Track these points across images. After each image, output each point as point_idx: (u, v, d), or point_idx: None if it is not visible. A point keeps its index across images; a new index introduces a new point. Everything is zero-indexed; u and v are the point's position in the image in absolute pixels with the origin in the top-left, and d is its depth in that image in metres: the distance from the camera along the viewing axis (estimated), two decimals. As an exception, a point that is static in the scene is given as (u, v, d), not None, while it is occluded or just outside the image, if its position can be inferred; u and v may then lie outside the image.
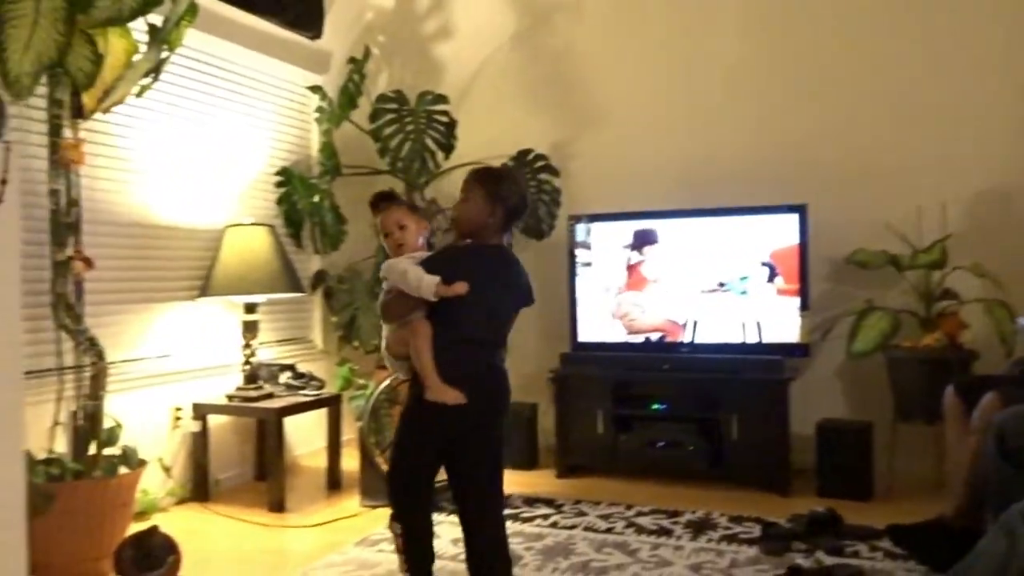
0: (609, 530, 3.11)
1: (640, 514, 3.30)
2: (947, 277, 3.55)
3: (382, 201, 2.43)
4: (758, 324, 3.75)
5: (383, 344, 2.33)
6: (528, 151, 4.29)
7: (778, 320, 3.72)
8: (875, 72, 3.89)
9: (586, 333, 4.06)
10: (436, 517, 3.27)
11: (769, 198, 3.86)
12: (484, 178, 2.30)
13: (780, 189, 3.90)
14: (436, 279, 2.14)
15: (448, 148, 4.24)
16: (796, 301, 3.69)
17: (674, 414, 3.76)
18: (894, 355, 3.53)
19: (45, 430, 2.81)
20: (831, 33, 3.96)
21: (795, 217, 3.70)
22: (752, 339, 3.76)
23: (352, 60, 4.36)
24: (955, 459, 2.79)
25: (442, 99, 4.26)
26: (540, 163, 4.29)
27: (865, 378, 3.79)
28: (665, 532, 3.08)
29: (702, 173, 4.16)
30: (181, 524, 3.18)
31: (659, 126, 4.29)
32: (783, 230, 3.72)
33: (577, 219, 4.11)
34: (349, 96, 4.25)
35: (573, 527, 3.15)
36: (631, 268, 3.98)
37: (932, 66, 3.79)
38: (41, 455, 2.75)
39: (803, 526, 2.97)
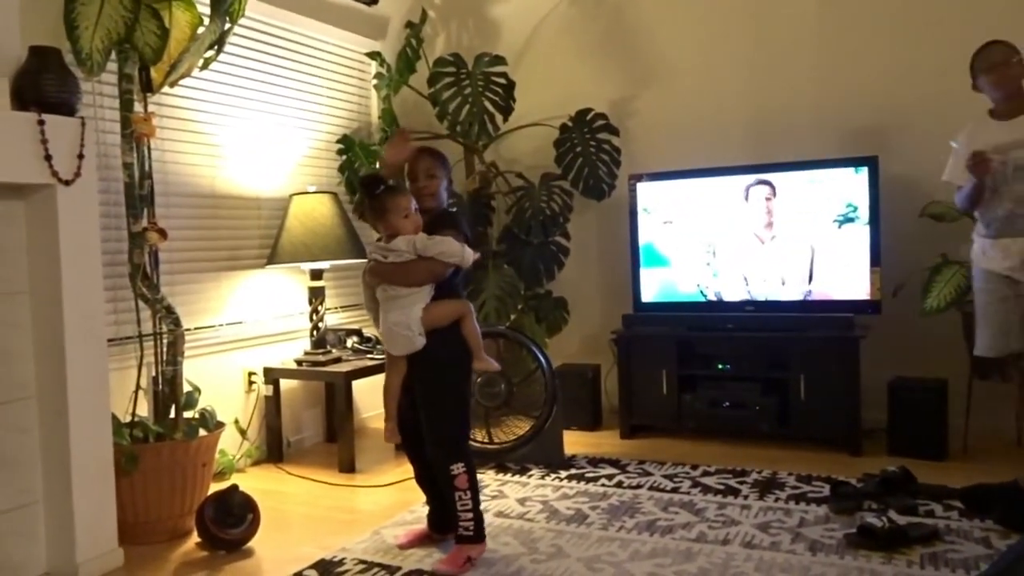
0: (675, 490, 3.11)
1: (706, 474, 3.29)
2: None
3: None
4: (827, 281, 3.66)
5: (386, 317, 2.45)
6: (587, 110, 4.23)
7: (849, 276, 3.62)
8: (949, 13, 3.70)
9: (649, 293, 4.02)
10: (500, 476, 3.34)
11: (838, 151, 3.74)
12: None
13: (850, 141, 3.77)
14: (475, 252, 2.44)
15: (507, 110, 4.22)
16: (867, 256, 3.58)
17: (739, 374, 3.72)
18: (970, 311, 3.40)
19: (128, 395, 2.93)
20: (904, -24, 3.78)
21: (865, 170, 3.58)
22: (821, 296, 3.68)
23: (409, 24, 4.35)
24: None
25: (500, 60, 4.23)
26: (599, 122, 4.24)
27: (939, 335, 3.67)
28: (732, 491, 3.07)
29: (768, 127, 4.06)
30: (257, 484, 3.31)
31: (722, 80, 4.18)
32: (854, 184, 3.61)
33: (638, 178, 4.05)
34: (407, 61, 4.26)
35: (638, 487, 3.17)
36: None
37: (1005, 9, 3.59)
38: (125, 419, 2.87)
39: (874, 485, 2.92)
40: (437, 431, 2.46)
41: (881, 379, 3.55)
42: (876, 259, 3.58)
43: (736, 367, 3.74)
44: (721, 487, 3.12)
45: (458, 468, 2.42)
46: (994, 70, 2.85)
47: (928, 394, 3.41)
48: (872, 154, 3.60)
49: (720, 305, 3.87)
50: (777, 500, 2.95)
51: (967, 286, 3.33)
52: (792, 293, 3.73)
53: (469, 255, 2.42)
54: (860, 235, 3.59)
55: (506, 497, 3.11)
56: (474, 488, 2.45)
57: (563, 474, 3.37)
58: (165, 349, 2.96)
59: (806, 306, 3.70)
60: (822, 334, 3.57)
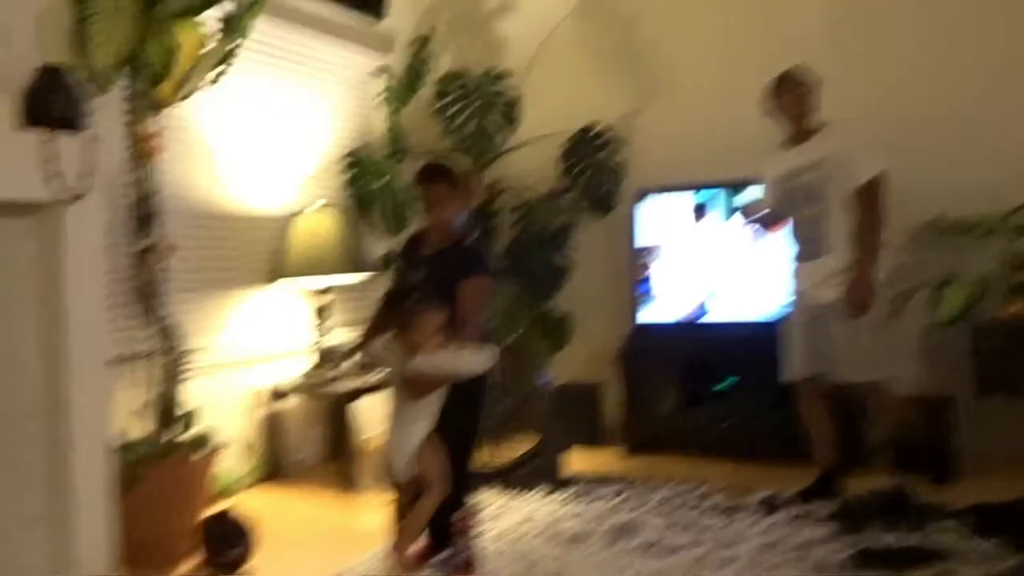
0: (679, 508, 3.08)
1: (711, 492, 3.26)
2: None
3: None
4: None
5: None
6: (594, 124, 4.23)
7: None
8: (953, 27, 3.70)
9: (655, 309, 4.01)
10: (502, 496, 3.32)
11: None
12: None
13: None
14: (486, 353, 2.34)
15: (514, 124, 4.22)
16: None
17: (745, 391, 3.70)
18: (978, 325, 3.39)
19: (130, 413, 2.92)
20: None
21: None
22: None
23: (416, 40, 4.37)
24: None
25: (506, 75, 4.24)
26: (606, 136, 4.24)
27: (946, 350, 3.64)
28: (737, 510, 3.04)
29: (774, 140, 4.04)
30: (258, 503, 3.29)
31: (730, 92, 4.14)
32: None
33: (644, 192, 4.04)
34: (414, 76, 4.26)
35: (642, 505, 3.14)
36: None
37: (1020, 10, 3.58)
38: (127, 437, 2.86)
39: (880, 503, 2.90)
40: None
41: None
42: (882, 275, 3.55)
43: (743, 384, 3.72)
44: (728, 506, 3.09)
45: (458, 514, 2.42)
46: (790, 91, 3.02)
47: (933, 410, 3.38)
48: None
49: (726, 321, 3.85)
50: (783, 519, 2.92)
51: (976, 300, 3.32)
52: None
53: (488, 359, 2.35)
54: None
55: (507, 518, 3.08)
56: (472, 527, 2.44)
57: (565, 493, 3.34)
58: (168, 367, 2.96)
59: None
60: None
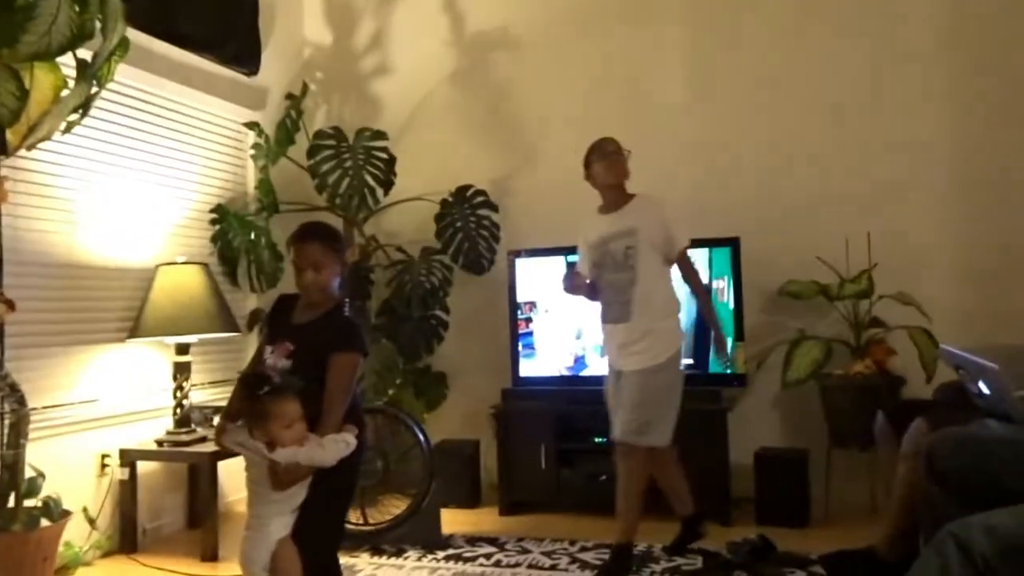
0: (553, 567, 3.09)
1: (584, 549, 3.29)
2: (874, 305, 3.67)
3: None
4: (695, 356, 3.80)
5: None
6: (467, 187, 4.31)
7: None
8: (802, 107, 4.03)
9: (528, 368, 4.06)
10: (375, 559, 3.21)
11: (703, 232, 3.94)
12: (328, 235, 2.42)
13: (714, 223, 3.99)
14: (352, 435, 2.20)
15: (387, 184, 4.24)
16: (731, 331, 3.75)
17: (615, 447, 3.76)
18: (827, 383, 3.62)
19: (-38, 481, 2.66)
20: (763, 73, 4.10)
21: (728, 250, 3.78)
22: (690, 370, 3.80)
23: (289, 96, 4.34)
24: (888, 485, 2.85)
25: (381, 135, 4.26)
26: (479, 199, 4.31)
27: (801, 406, 3.87)
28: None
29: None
30: (108, 576, 3.05)
31: (596, 162, 4.35)
32: (718, 262, 3.80)
33: (516, 254, 4.13)
34: (286, 132, 4.23)
35: (516, 565, 3.12)
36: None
37: (858, 101, 3.95)
38: (-44, 508, 2.60)
39: (743, 555, 3.00)
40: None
41: (748, 450, 3.69)
42: (740, 334, 3.76)
43: (612, 441, 3.78)
44: (599, 562, 3.12)
45: None
46: (607, 157, 3.09)
47: (791, 464, 3.57)
48: (734, 235, 3.81)
49: (596, 379, 3.93)
50: (653, 574, 2.97)
51: (824, 359, 3.55)
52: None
53: (348, 446, 2.19)
54: (724, 311, 3.77)
55: (380, 581, 2.99)
56: None
57: (440, 554, 3.28)
58: (7, 430, 2.72)
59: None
60: (692, 407, 3.67)
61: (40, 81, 2.82)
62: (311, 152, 4.14)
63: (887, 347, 3.62)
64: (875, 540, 2.72)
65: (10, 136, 2.80)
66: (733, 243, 3.79)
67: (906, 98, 3.88)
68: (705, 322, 3.29)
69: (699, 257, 3.81)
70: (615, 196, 3.13)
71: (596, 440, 3.79)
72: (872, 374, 3.52)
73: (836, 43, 3.99)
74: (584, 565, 3.09)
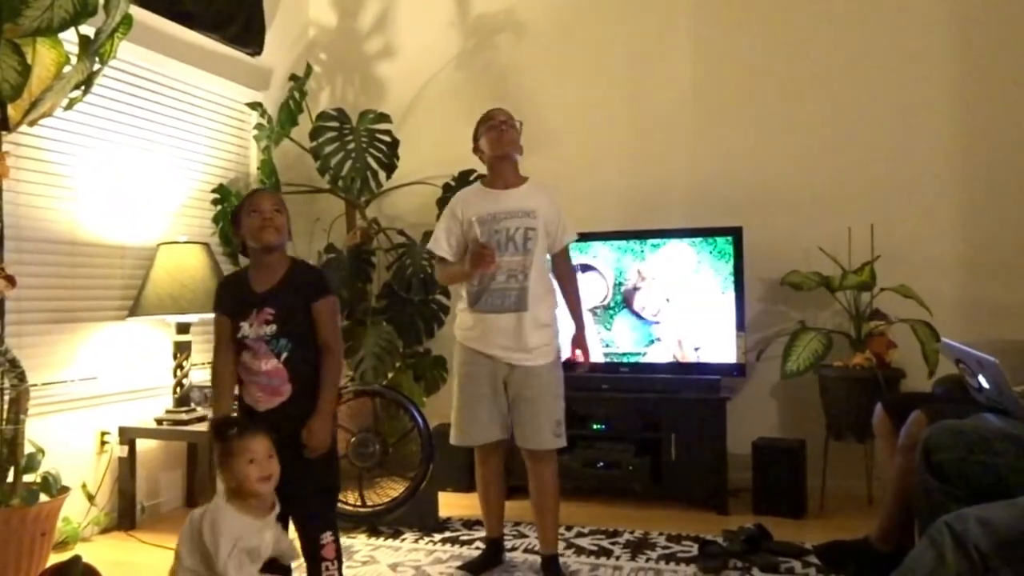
0: (549, 551, 3.09)
1: (580, 535, 3.30)
2: (876, 298, 3.66)
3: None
4: (695, 345, 3.81)
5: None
6: (470, 171, 4.29)
7: (715, 340, 3.78)
8: (808, 101, 4.01)
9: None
10: (372, 541, 3.23)
11: (707, 221, 3.94)
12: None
13: (717, 213, 3.98)
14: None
15: (390, 167, 4.22)
16: (732, 321, 3.75)
17: (614, 434, 3.78)
18: (825, 374, 3.62)
19: (-39, 455, 2.67)
20: (767, 64, 4.08)
21: (730, 239, 3.78)
22: (690, 359, 3.81)
23: (293, 77, 4.32)
24: (885, 476, 2.86)
25: (384, 118, 4.25)
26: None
27: (799, 397, 3.87)
28: (604, 552, 3.08)
29: (642, 197, 4.22)
30: (105, 554, 3.06)
31: (599, 150, 4.34)
32: (720, 252, 3.79)
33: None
34: (289, 113, 4.21)
35: (512, 549, 3.13)
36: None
37: (861, 94, 3.93)
38: (-45, 482, 2.61)
39: (739, 544, 3.01)
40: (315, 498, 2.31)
41: (747, 440, 3.70)
42: (741, 324, 3.76)
43: (610, 427, 3.80)
44: (594, 548, 3.13)
45: (327, 537, 2.30)
46: (498, 127, 2.84)
47: (788, 455, 3.57)
48: (737, 224, 3.81)
49: (595, 366, 3.94)
50: (648, 560, 2.98)
51: (824, 351, 3.54)
52: (663, 355, 3.85)
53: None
54: (726, 301, 3.77)
55: (377, 563, 3.00)
56: (340, 559, 2.35)
57: (437, 537, 3.30)
58: (7, 406, 2.72)
59: (677, 368, 3.83)
60: (691, 396, 3.70)
61: (42, 57, 2.81)
62: (314, 133, 4.13)
63: (887, 340, 3.61)
64: (870, 531, 2.74)
65: (11, 112, 2.80)
66: (735, 232, 3.78)
67: (911, 90, 3.86)
68: (576, 322, 2.94)
69: (703, 246, 3.82)
70: (507, 172, 2.87)
71: (594, 427, 3.81)
72: (871, 366, 3.52)
73: (842, 33, 3.96)
74: (580, 550, 3.10)
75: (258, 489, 2.08)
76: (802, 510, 3.51)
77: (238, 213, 2.36)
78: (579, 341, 2.93)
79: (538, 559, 2.91)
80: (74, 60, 2.89)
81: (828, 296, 3.78)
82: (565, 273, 2.96)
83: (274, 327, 2.24)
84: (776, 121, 4.06)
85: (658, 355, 3.86)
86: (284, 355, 2.25)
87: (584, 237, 3.94)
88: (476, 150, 2.96)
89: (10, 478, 2.68)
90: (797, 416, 3.92)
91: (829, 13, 3.99)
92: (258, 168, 4.25)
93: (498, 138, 2.85)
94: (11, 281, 2.74)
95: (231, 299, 2.34)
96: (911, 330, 3.45)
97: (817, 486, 3.62)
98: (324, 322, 2.30)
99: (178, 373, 3.58)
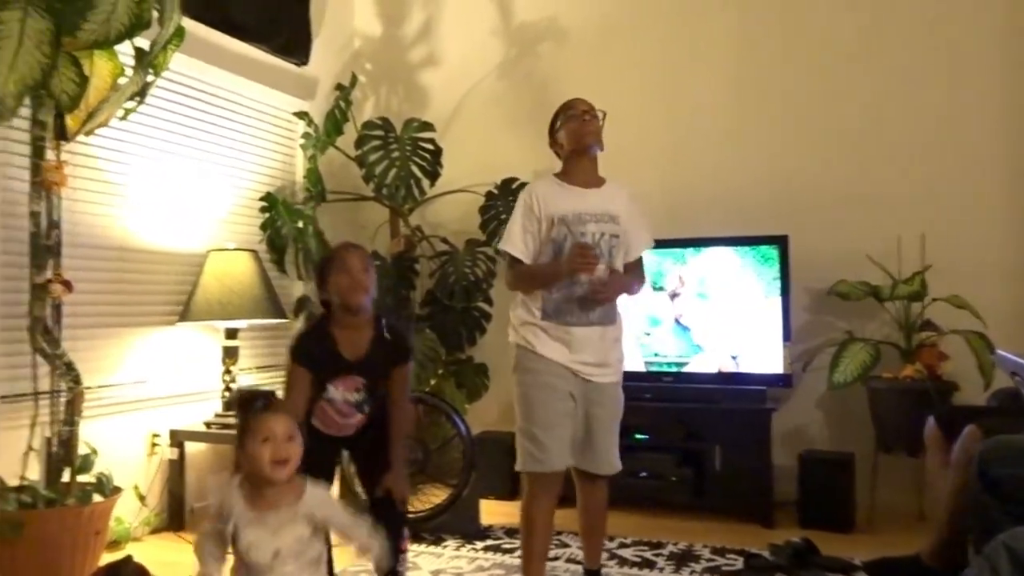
0: (591, 561, 3.07)
1: (622, 546, 3.27)
2: (927, 308, 3.58)
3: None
4: (737, 356, 3.76)
5: None
6: (512, 179, 4.30)
7: (760, 350, 3.73)
8: (855, 105, 3.95)
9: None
10: (414, 547, 3.25)
11: (752, 229, 3.89)
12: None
13: (762, 220, 3.93)
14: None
15: (433, 175, 4.26)
16: (779, 331, 3.70)
17: (656, 444, 3.75)
18: (875, 386, 3.55)
19: (18, 456, 2.74)
20: (812, 66, 4.02)
21: (776, 248, 3.72)
22: (734, 369, 3.76)
23: (339, 87, 4.38)
24: (936, 492, 2.79)
25: (428, 126, 4.28)
26: (525, 191, 4.30)
27: (847, 409, 3.80)
28: (648, 564, 3.05)
29: (684, 204, 4.19)
30: (155, 554, 3.12)
31: (640, 156, 4.31)
32: (765, 261, 3.74)
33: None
34: (335, 122, 4.26)
35: (555, 559, 3.12)
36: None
37: (911, 98, 3.86)
38: (13, 482, 2.68)
39: (786, 558, 2.96)
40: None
41: (793, 452, 3.64)
42: (787, 334, 3.70)
43: (653, 437, 3.76)
44: (637, 559, 3.10)
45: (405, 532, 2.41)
46: (577, 118, 2.59)
47: (835, 467, 3.50)
48: (782, 233, 3.75)
49: (638, 375, 3.91)
50: (692, 573, 2.95)
51: (872, 362, 3.47)
52: (708, 365, 3.81)
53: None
54: (772, 310, 3.71)
55: (419, 569, 3.01)
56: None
57: (479, 545, 3.30)
58: (62, 408, 2.80)
59: (721, 378, 3.78)
60: (736, 406, 3.65)
61: (99, 68, 2.90)
62: (359, 142, 4.18)
63: (939, 351, 3.53)
64: (921, 548, 2.67)
65: (69, 122, 2.88)
66: (781, 241, 3.73)
67: (962, 95, 3.77)
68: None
69: (748, 255, 3.77)
70: (588, 168, 2.62)
71: (636, 436, 3.78)
72: (923, 378, 3.44)
73: (890, 35, 3.89)
74: (623, 561, 3.08)
75: (271, 474, 1.84)
76: (851, 524, 3.44)
77: (325, 269, 2.37)
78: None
79: (579, 568, 2.88)
80: (129, 72, 2.97)
81: (876, 306, 3.71)
82: (635, 278, 2.68)
83: (363, 394, 2.34)
84: (822, 125, 4.00)
85: (701, 365, 3.82)
86: (367, 410, 2.38)
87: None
88: (553, 144, 2.69)
89: (65, 478, 2.75)
90: (845, 429, 3.84)
91: (876, 14, 3.92)
92: (304, 176, 4.31)
93: (580, 129, 2.59)
94: (68, 286, 2.82)
95: (316, 358, 2.30)
96: (964, 341, 3.37)
97: (866, 500, 3.54)
98: (402, 385, 2.41)
99: (226, 378, 3.64)
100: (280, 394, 2.31)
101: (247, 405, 1.91)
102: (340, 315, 2.33)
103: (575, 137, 2.60)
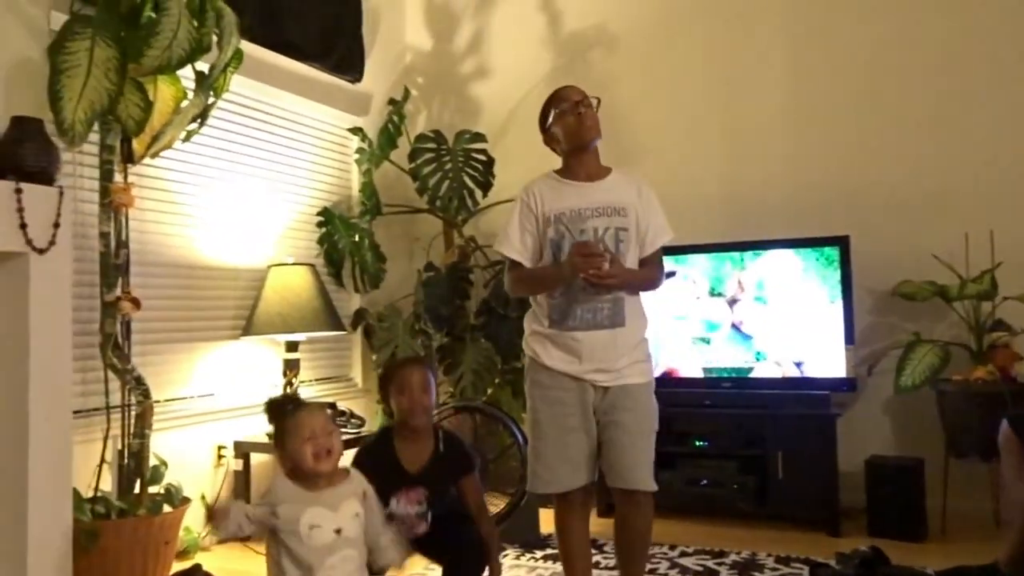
0: (652, 571, 3.04)
1: (684, 554, 3.23)
2: (998, 308, 3.45)
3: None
4: (800, 359, 3.68)
5: None
6: (565, 187, 4.30)
7: (823, 354, 3.64)
8: (918, 98, 3.85)
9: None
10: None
11: (811, 230, 3.81)
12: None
13: (823, 221, 3.85)
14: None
15: (486, 186, 4.29)
16: (841, 334, 3.61)
17: (717, 451, 3.69)
18: (944, 389, 3.44)
19: (92, 468, 2.85)
20: (870, 61, 3.93)
21: (837, 249, 3.64)
22: (795, 373, 3.69)
23: (392, 101, 4.44)
24: (1011, 497, 2.68)
25: (480, 137, 4.32)
26: (577, 199, 4.30)
27: (915, 413, 3.68)
28: (710, 573, 3.00)
29: (742, 207, 4.13)
30: (223, 563, 3.20)
31: (696, 159, 4.27)
32: (827, 262, 3.66)
33: (615, 254, 4.08)
34: (389, 136, 4.33)
35: (614, 568, 3.08)
36: (670, 303, 3.94)
37: (975, 91, 3.74)
38: (88, 493, 2.79)
39: (854, 567, 2.87)
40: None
41: (859, 458, 3.54)
42: (850, 337, 3.61)
43: (714, 444, 3.71)
44: (700, 568, 3.06)
45: None
46: (571, 112, 2.39)
47: (905, 473, 3.40)
48: (844, 233, 3.67)
49: (697, 381, 3.87)
50: (756, 582, 2.89)
51: (941, 364, 3.36)
52: (769, 370, 3.74)
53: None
54: (834, 313, 3.63)
55: (480, 578, 3.02)
56: None
57: (539, 554, 3.29)
58: (133, 421, 2.90)
59: (783, 383, 3.71)
60: (799, 411, 3.57)
61: (162, 93, 3.01)
62: (412, 155, 4.23)
63: (1013, 352, 3.40)
64: (996, 556, 2.57)
65: (136, 145, 2.99)
66: (843, 242, 3.64)
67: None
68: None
69: (809, 256, 3.69)
70: (589, 161, 2.42)
71: (696, 443, 3.73)
72: (995, 380, 3.31)
73: (951, 28, 3.78)
74: (684, 570, 3.04)
75: (316, 467, 1.93)
76: (922, 533, 3.33)
77: (386, 384, 2.43)
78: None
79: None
80: (191, 95, 3.07)
81: (944, 307, 3.59)
82: (653, 272, 2.48)
83: (424, 506, 2.30)
84: (881, 121, 3.90)
85: (762, 370, 3.75)
86: (430, 519, 2.31)
87: (683, 250, 3.91)
88: (547, 140, 2.49)
89: (136, 489, 2.84)
90: (913, 433, 3.73)
91: (935, 6, 3.81)
92: (360, 191, 4.38)
93: (578, 124, 2.38)
94: (136, 304, 2.92)
95: (377, 472, 2.26)
96: (1039, 341, 3.24)
97: (937, 507, 3.42)
98: (474, 498, 2.44)
99: (288, 390, 3.71)
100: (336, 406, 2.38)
101: (279, 409, 2.02)
102: (401, 428, 2.42)
103: (574, 134, 2.39)
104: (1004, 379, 3.33)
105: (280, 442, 2.00)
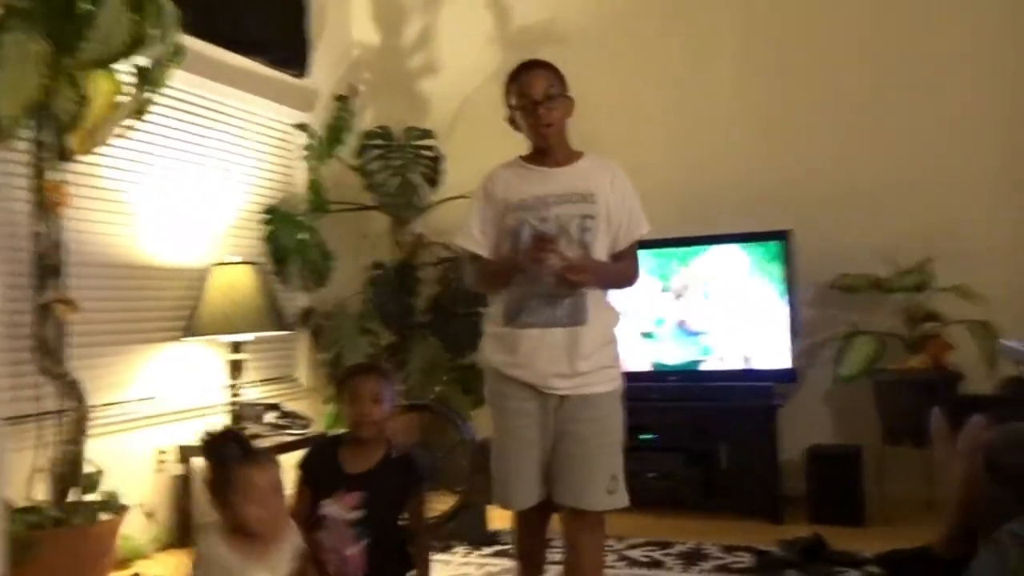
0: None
1: (631, 546, 3.27)
2: (931, 299, 3.57)
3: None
4: (744, 352, 3.75)
5: None
6: (513, 184, 4.31)
7: (765, 346, 3.72)
8: (856, 97, 3.95)
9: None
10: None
11: (755, 225, 3.88)
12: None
13: (766, 216, 3.92)
14: None
15: (435, 182, 4.27)
16: (784, 326, 3.69)
17: (664, 444, 3.74)
18: (880, 378, 3.54)
19: (25, 477, 2.76)
20: (815, 62, 4.02)
21: (779, 243, 3.72)
22: (739, 366, 3.76)
23: (338, 97, 4.39)
24: (944, 482, 2.78)
25: (428, 134, 4.30)
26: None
27: (853, 402, 3.78)
28: (656, 564, 3.05)
29: (687, 203, 4.18)
30: (164, 570, 3.13)
31: (644, 155, 4.30)
32: (769, 256, 3.74)
33: (563, 250, 4.11)
34: (335, 133, 4.28)
35: (563, 562, 3.11)
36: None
37: (910, 86, 3.85)
38: (20, 503, 2.70)
39: (796, 554, 2.95)
40: None
41: (800, 447, 3.63)
42: (793, 329, 3.69)
43: (661, 437, 3.76)
44: (646, 560, 3.10)
45: None
46: (532, 114, 2.22)
47: (843, 461, 3.50)
48: (786, 228, 3.75)
49: (644, 375, 3.91)
50: (702, 572, 2.94)
51: (877, 354, 3.46)
52: (713, 363, 3.81)
53: None
54: (777, 305, 3.71)
55: (430, 576, 3.01)
56: None
57: (487, 550, 3.30)
58: (70, 426, 2.81)
59: (726, 376, 3.78)
60: (742, 403, 3.64)
61: (99, 87, 2.91)
62: (360, 152, 4.20)
63: (944, 341, 3.52)
64: (931, 538, 2.66)
65: (70, 141, 2.90)
66: (784, 236, 3.72)
67: (961, 83, 3.76)
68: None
69: (752, 251, 3.76)
70: (558, 147, 2.22)
71: (643, 437, 3.77)
72: (928, 369, 3.43)
73: (886, 24, 3.89)
74: (632, 562, 3.08)
75: (259, 529, 1.77)
76: (860, 518, 3.43)
77: (341, 392, 2.31)
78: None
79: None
80: (128, 89, 2.99)
81: (881, 298, 3.70)
82: (629, 265, 2.28)
83: (359, 514, 2.11)
84: (821, 119, 4.00)
85: (707, 363, 3.82)
86: (365, 542, 2.10)
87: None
88: (512, 121, 2.26)
89: (71, 497, 2.76)
90: (852, 422, 3.83)
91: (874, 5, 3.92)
92: (306, 188, 4.32)
93: (535, 126, 2.19)
94: (72, 306, 2.84)
95: (318, 473, 2.20)
96: (969, 331, 3.36)
97: (875, 493, 3.53)
98: (417, 516, 2.30)
99: (231, 392, 3.65)
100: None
101: (221, 452, 1.78)
102: (351, 436, 2.25)
103: (532, 134, 2.22)
104: (936, 368, 3.44)
105: (219, 491, 1.77)
